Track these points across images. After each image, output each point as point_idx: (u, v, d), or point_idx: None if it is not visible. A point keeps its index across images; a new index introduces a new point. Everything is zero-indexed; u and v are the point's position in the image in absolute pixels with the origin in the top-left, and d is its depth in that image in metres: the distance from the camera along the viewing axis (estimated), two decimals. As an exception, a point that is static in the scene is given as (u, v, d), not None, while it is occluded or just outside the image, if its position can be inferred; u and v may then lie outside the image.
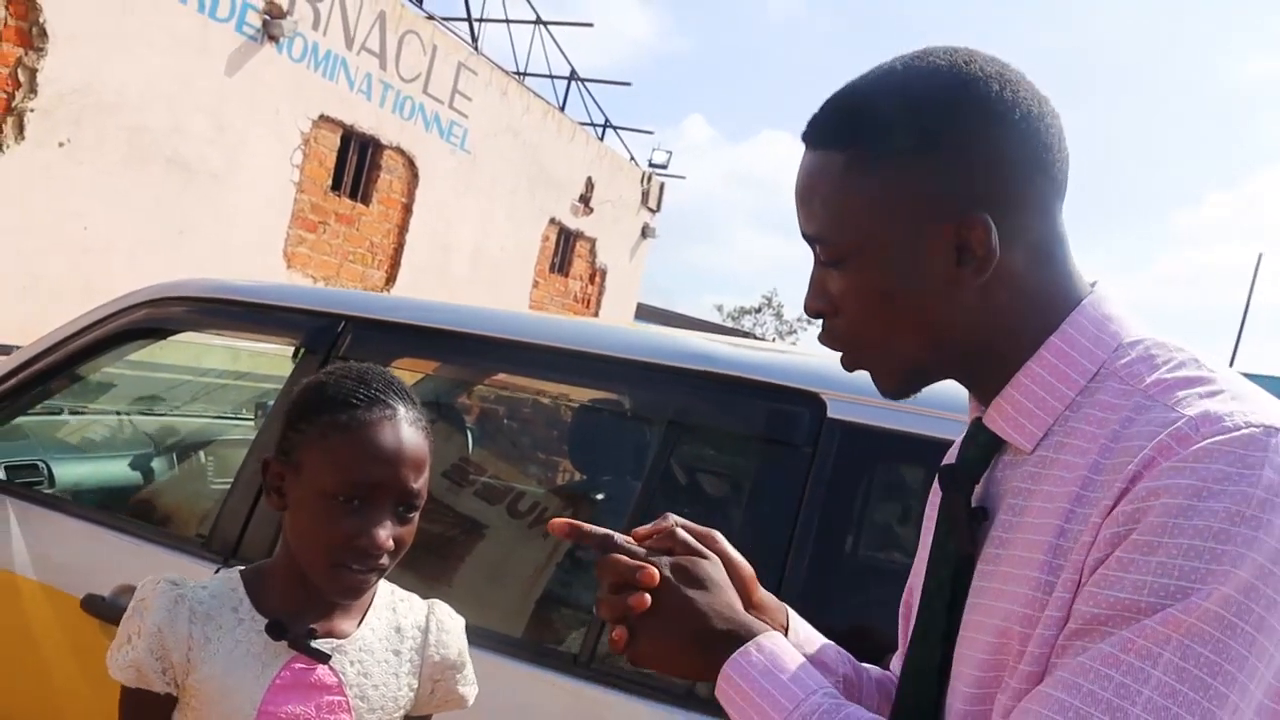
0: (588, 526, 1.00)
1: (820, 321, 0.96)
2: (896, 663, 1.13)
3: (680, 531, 0.99)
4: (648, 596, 0.91)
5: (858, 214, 0.87)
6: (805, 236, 0.93)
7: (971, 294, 0.87)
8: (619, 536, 0.98)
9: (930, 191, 0.85)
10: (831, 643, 1.09)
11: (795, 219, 0.94)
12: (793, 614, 1.08)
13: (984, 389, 0.92)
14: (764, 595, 1.05)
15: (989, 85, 0.85)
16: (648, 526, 1.00)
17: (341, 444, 1.25)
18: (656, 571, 0.92)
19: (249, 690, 1.25)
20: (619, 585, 0.93)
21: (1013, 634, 0.81)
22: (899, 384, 0.94)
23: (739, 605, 0.95)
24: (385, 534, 1.24)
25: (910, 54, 0.90)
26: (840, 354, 0.96)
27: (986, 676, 0.83)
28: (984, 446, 0.91)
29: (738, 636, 0.91)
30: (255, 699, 1.25)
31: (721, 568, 0.98)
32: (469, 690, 1.44)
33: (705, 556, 0.98)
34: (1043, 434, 0.86)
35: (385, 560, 1.26)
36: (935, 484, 1.08)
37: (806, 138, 0.93)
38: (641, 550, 0.96)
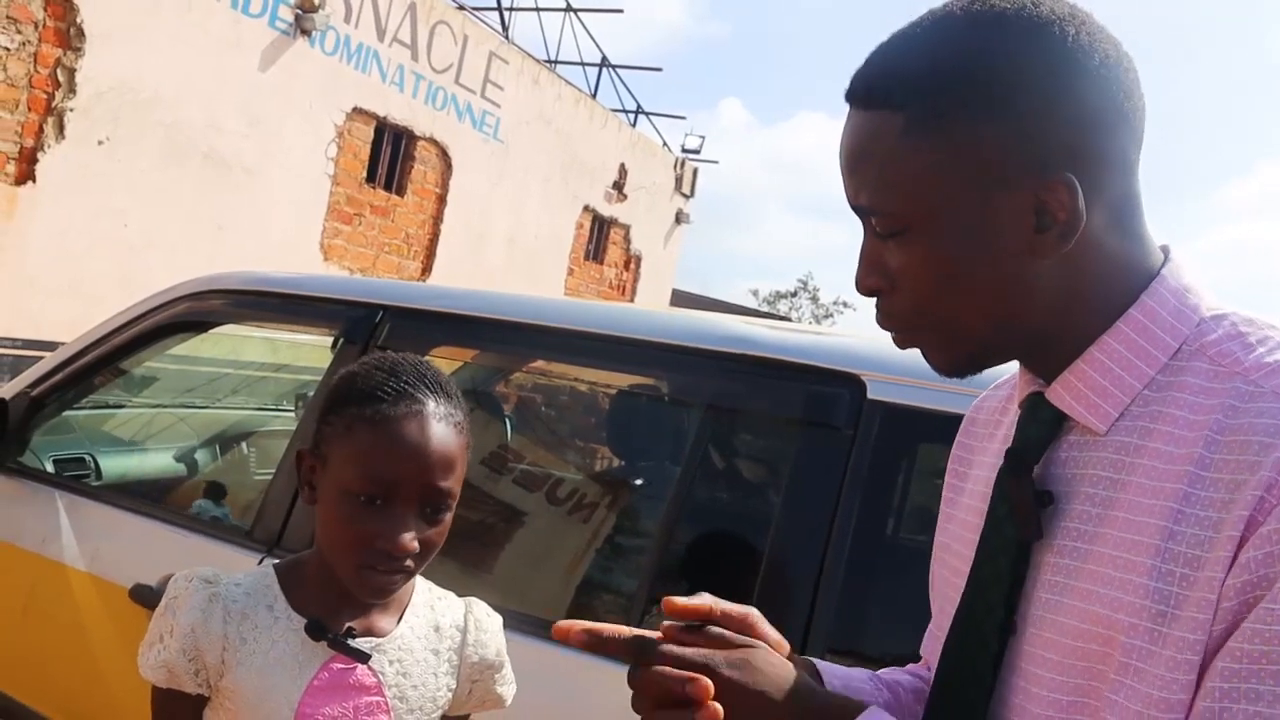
0: (608, 630, 0.83)
1: (874, 300, 0.86)
2: (929, 643, 1.07)
3: (717, 630, 0.84)
4: (718, 707, 0.78)
5: (921, 180, 0.79)
6: (857, 208, 0.84)
7: (1050, 263, 0.79)
8: (648, 634, 0.83)
9: (1004, 151, 0.77)
10: (861, 673, 1.02)
11: (837, 197, 0.87)
12: (818, 662, 0.99)
13: (1048, 363, 0.84)
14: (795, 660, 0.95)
15: (1064, 28, 0.76)
16: (682, 600, 0.85)
17: (364, 439, 1.19)
18: (709, 683, 0.78)
19: (286, 692, 1.21)
20: (668, 700, 0.79)
21: (1114, 642, 0.74)
22: (960, 363, 0.86)
23: (812, 683, 0.84)
24: (409, 536, 1.18)
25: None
26: (893, 333, 0.87)
27: (1077, 683, 0.77)
28: (1047, 425, 0.84)
29: (843, 713, 0.81)
30: (293, 701, 1.21)
31: (773, 652, 0.86)
32: (507, 690, 1.40)
33: (753, 646, 0.84)
34: (1118, 414, 0.79)
35: (411, 562, 1.21)
36: (957, 450, 1.02)
37: (854, 97, 0.83)
38: (685, 653, 0.81)
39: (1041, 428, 0.85)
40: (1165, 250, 0.84)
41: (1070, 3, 0.80)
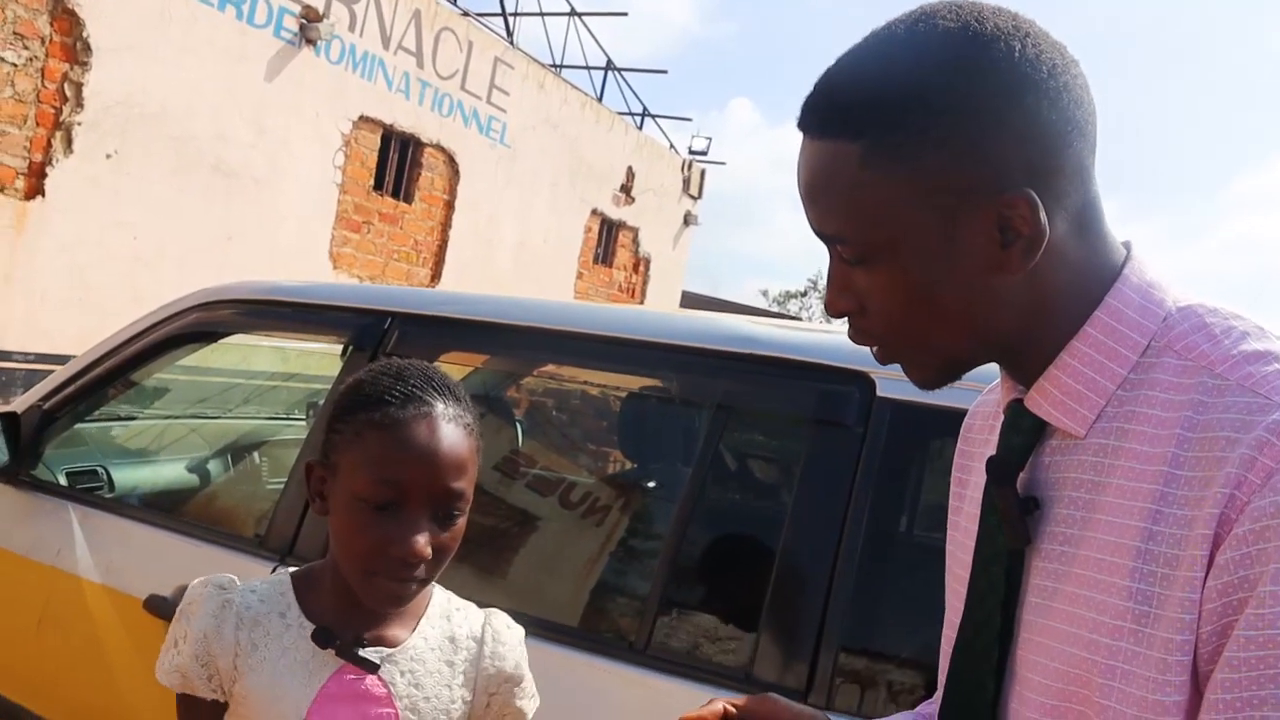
0: None
1: (846, 320, 0.88)
2: (945, 646, 1.08)
3: None
4: None
5: (883, 209, 0.79)
6: (821, 235, 0.84)
7: (1018, 277, 0.79)
8: None
9: (963, 173, 0.76)
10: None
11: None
12: None
13: (1025, 370, 0.85)
14: None
15: (1010, 44, 0.76)
16: (694, 714, 0.94)
17: (374, 444, 1.18)
18: None
19: (295, 699, 1.20)
20: None
21: (1098, 647, 0.75)
22: (937, 376, 0.87)
23: None
24: (422, 541, 1.17)
25: (910, 16, 0.80)
26: (873, 349, 0.89)
27: (1067, 690, 0.77)
28: (1029, 432, 0.84)
29: None
30: (301, 709, 1.20)
31: None
32: (528, 704, 1.37)
33: None
34: (1095, 417, 0.79)
35: (425, 569, 1.19)
36: (958, 458, 1.03)
37: (806, 126, 0.82)
38: None
39: (1023, 435, 0.85)
40: (1127, 246, 0.84)
41: (1013, 13, 0.79)
